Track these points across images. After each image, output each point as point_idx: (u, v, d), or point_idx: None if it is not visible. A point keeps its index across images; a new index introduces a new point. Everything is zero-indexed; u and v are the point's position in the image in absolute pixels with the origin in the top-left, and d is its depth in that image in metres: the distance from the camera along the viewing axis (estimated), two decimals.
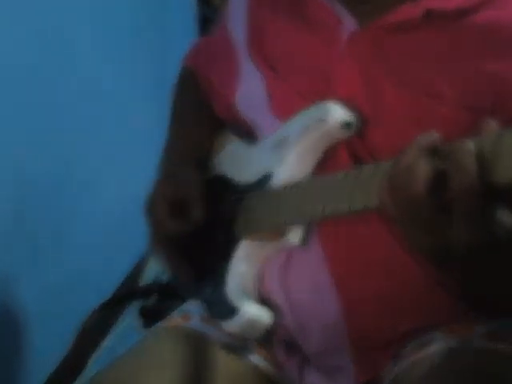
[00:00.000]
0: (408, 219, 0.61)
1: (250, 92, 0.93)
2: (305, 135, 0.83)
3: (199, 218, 0.92)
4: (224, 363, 0.86)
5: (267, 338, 0.89)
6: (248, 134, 0.96)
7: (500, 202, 0.59)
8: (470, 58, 0.78)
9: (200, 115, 1.05)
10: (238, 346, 0.88)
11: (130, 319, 1.11)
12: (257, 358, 0.88)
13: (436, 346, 0.79)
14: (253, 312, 0.84)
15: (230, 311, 0.84)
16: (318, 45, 0.86)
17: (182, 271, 0.96)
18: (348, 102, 0.81)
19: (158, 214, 0.94)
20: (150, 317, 1.00)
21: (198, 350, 0.85)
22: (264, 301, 0.86)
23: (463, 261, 0.63)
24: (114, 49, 1.80)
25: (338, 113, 0.80)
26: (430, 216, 0.59)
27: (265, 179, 0.87)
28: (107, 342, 1.47)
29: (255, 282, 0.87)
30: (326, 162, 0.83)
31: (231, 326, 0.85)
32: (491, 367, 0.76)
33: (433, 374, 0.76)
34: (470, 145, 0.57)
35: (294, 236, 0.83)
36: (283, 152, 0.85)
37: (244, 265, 0.87)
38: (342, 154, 0.82)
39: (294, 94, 0.86)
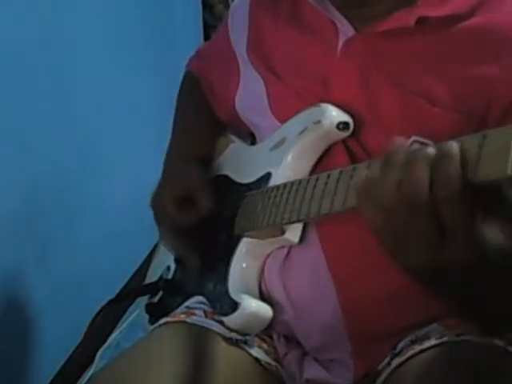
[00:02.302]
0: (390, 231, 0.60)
1: (249, 94, 0.95)
2: (302, 137, 0.85)
3: (206, 207, 0.94)
4: (226, 356, 0.86)
5: (268, 333, 0.91)
6: (248, 135, 0.99)
7: (484, 203, 0.58)
8: (463, 61, 0.79)
9: (202, 117, 1.07)
10: (240, 340, 0.89)
11: (135, 315, 1.12)
12: (258, 352, 0.89)
13: (432, 341, 0.80)
14: (254, 307, 0.85)
15: (232, 306, 0.85)
16: (317, 48, 0.87)
17: (189, 261, 0.97)
18: (344, 104, 0.83)
19: (164, 208, 0.96)
20: (156, 313, 1.01)
21: (200, 343, 0.86)
22: (265, 297, 0.88)
23: (455, 280, 0.61)
24: (124, 55, 1.82)
25: (333, 114, 0.82)
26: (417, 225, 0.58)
27: (264, 179, 0.89)
28: (114, 338, 1.48)
29: (257, 278, 0.88)
30: (324, 162, 0.85)
31: (233, 320, 0.86)
32: (487, 361, 0.76)
33: (429, 369, 0.77)
34: (455, 148, 0.57)
35: (293, 234, 0.84)
36: (281, 153, 0.87)
37: (245, 261, 0.88)
38: (340, 155, 0.83)
39: (293, 96, 0.88)
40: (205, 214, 0.94)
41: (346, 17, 0.85)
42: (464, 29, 0.79)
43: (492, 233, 0.58)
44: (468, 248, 0.58)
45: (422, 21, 0.79)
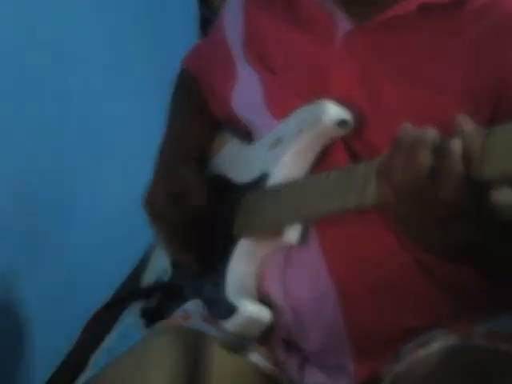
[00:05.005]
0: (407, 207, 0.63)
1: (246, 92, 0.93)
2: (300, 135, 0.83)
3: (200, 203, 0.92)
4: (223, 362, 0.86)
5: (267, 337, 0.89)
6: (245, 134, 0.97)
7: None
8: (468, 47, 0.78)
9: (197, 116, 1.05)
10: (238, 344, 0.87)
11: (130, 319, 1.11)
12: (257, 357, 0.88)
13: (437, 345, 0.79)
14: (252, 310, 0.84)
15: (230, 310, 0.84)
16: (315, 45, 0.86)
17: (185, 262, 0.95)
18: (344, 100, 0.81)
19: (159, 206, 0.94)
20: (152, 317, 0.99)
21: (197, 348, 0.85)
22: (263, 300, 0.86)
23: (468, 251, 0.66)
24: (116, 50, 1.81)
25: (332, 111, 0.80)
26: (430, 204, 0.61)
27: (262, 179, 0.88)
28: (108, 342, 1.47)
29: (255, 280, 0.87)
30: (323, 160, 0.83)
31: (230, 324, 0.84)
32: (492, 367, 0.75)
33: (433, 374, 0.76)
34: (457, 147, 0.58)
35: (292, 235, 0.83)
36: (279, 152, 0.86)
37: (243, 264, 0.87)
38: (341, 153, 0.82)
39: (290, 94, 0.87)
40: (201, 212, 0.92)
41: (344, 12, 0.84)
42: (467, 13, 0.79)
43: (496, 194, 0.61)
44: (481, 217, 0.61)
45: (423, 8, 0.79)
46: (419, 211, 0.62)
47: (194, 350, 0.85)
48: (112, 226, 1.76)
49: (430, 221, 0.63)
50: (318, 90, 0.84)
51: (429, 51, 0.79)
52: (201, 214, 0.92)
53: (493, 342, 0.78)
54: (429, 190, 0.60)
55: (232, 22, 0.98)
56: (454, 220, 0.61)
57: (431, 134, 0.62)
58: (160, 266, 1.05)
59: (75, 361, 1.48)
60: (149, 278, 1.09)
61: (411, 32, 0.80)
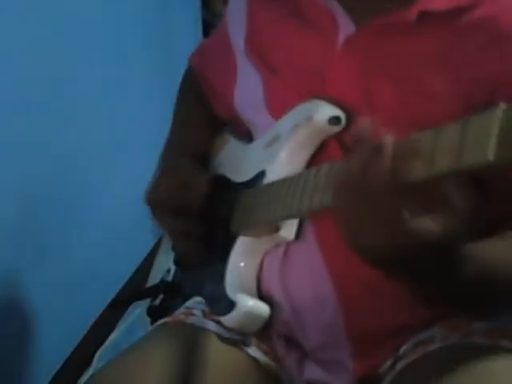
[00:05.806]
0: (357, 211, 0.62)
1: (247, 91, 0.94)
2: (294, 133, 0.84)
3: (201, 190, 0.92)
4: (224, 356, 0.86)
5: (266, 333, 0.90)
6: (246, 133, 0.97)
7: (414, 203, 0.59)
8: (466, 55, 0.78)
9: (201, 115, 1.06)
10: (238, 340, 0.88)
11: (135, 317, 1.12)
12: (256, 352, 0.88)
13: (437, 344, 0.79)
14: (250, 306, 0.85)
15: (229, 306, 0.85)
16: (315, 44, 0.86)
17: (192, 249, 0.96)
18: (337, 98, 0.81)
19: (161, 197, 0.94)
20: (157, 316, 1.00)
21: (198, 344, 0.86)
22: (263, 296, 0.87)
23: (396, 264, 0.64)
24: (119, 52, 1.82)
25: (325, 109, 0.81)
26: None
27: (259, 177, 0.88)
28: (113, 339, 1.48)
29: (254, 277, 0.88)
30: (318, 157, 0.84)
31: (230, 320, 0.85)
32: (493, 364, 0.75)
33: (435, 372, 0.76)
34: (389, 144, 0.58)
35: (288, 231, 0.84)
36: (275, 150, 0.86)
37: (242, 260, 0.88)
38: (335, 150, 0.82)
39: (290, 94, 0.87)
40: (202, 199, 0.92)
41: (346, 10, 0.84)
42: (466, 22, 0.78)
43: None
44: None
45: (423, 15, 0.78)
46: (355, 213, 0.61)
47: (195, 345, 0.86)
48: (117, 226, 1.76)
49: (365, 224, 0.61)
50: (316, 89, 0.84)
51: (428, 57, 0.79)
52: (202, 201, 0.92)
53: (492, 339, 0.78)
54: (361, 188, 0.59)
55: (235, 21, 0.98)
56: (385, 223, 0.60)
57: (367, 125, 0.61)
58: (163, 265, 1.07)
59: (79, 359, 1.48)
60: (154, 277, 1.10)
61: (411, 37, 0.80)
